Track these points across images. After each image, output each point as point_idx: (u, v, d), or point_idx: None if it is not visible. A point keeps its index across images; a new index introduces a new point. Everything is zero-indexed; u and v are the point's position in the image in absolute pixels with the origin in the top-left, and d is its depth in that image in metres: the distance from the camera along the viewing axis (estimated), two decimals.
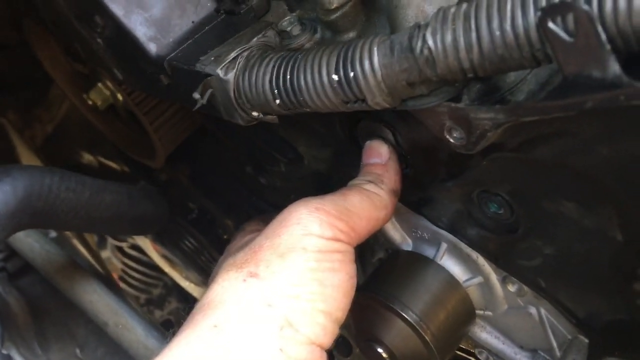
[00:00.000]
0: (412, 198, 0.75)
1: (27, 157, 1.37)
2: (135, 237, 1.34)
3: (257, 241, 0.63)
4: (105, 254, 1.54)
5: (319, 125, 0.78)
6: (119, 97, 1.03)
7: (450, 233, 0.74)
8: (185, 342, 0.56)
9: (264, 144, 0.89)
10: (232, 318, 0.57)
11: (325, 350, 0.61)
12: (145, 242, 1.31)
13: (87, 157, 1.36)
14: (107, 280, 1.08)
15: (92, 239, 1.45)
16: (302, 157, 0.87)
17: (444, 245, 0.77)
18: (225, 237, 1.22)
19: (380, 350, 0.76)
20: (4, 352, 0.79)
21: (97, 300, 0.94)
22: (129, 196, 0.84)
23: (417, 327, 0.73)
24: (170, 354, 0.55)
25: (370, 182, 0.67)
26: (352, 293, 0.63)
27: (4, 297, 0.97)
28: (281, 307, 0.57)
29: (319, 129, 0.79)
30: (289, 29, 0.67)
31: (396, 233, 0.82)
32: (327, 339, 0.60)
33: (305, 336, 0.57)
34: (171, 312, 1.62)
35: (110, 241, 1.51)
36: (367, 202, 0.66)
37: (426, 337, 0.73)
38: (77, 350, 1.00)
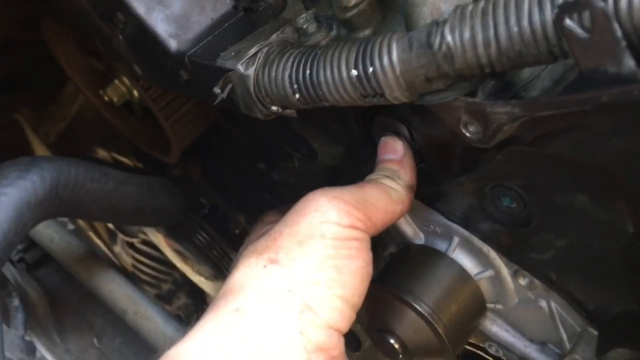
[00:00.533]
0: (425, 192, 0.76)
1: (41, 153, 1.39)
2: (147, 232, 1.35)
3: (276, 228, 0.65)
4: (116, 249, 1.56)
5: (334, 121, 0.80)
6: (135, 93, 1.05)
7: (463, 227, 0.76)
8: (208, 325, 0.58)
9: (278, 139, 0.91)
10: (253, 302, 0.59)
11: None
12: (157, 237, 1.33)
13: (101, 153, 1.38)
14: (124, 271, 1.10)
15: (104, 234, 1.47)
16: (316, 152, 0.88)
17: (456, 239, 0.78)
18: (237, 232, 1.23)
19: (392, 341, 0.78)
20: (28, 338, 0.81)
21: (116, 289, 0.95)
22: (149, 188, 0.86)
23: (430, 319, 0.74)
24: (194, 335, 0.57)
25: (387, 177, 0.69)
26: (368, 280, 0.64)
27: (23, 287, 0.98)
28: (301, 292, 0.59)
29: (333, 124, 0.81)
30: (305, 26, 0.68)
31: (408, 227, 0.84)
32: (345, 324, 0.61)
33: (324, 320, 0.59)
34: (180, 307, 1.63)
35: (121, 236, 1.53)
36: (384, 195, 0.68)
37: (438, 329, 0.74)
38: (95, 340, 1.02)
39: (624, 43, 0.42)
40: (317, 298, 0.59)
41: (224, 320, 0.58)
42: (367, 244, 0.65)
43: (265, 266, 0.61)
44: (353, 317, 0.63)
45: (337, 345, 0.60)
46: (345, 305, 0.61)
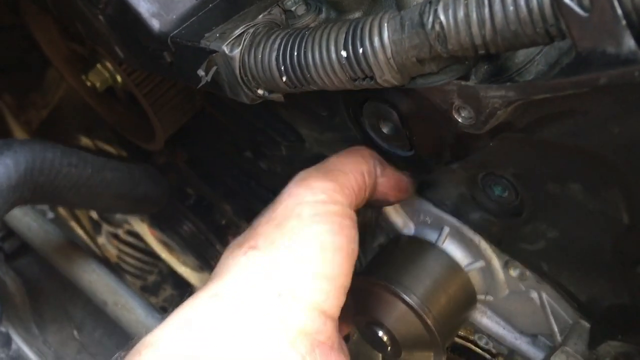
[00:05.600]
0: (415, 181, 0.74)
1: None
2: (132, 222, 1.33)
3: (255, 221, 0.64)
4: (100, 240, 1.53)
5: (322, 107, 0.78)
6: (118, 78, 1.02)
7: (453, 217, 0.74)
8: (185, 311, 0.56)
9: (266, 126, 0.89)
10: (231, 288, 0.57)
11: (334, 319, 0.60)
12: (142, 227, 1.30)
13: (84, 141, 1.35)
14: (105, 261, 1.08)
15: (87, 224, 1.44)
16: (304, 139, 0.86)
17: (446, 229, 0.77)
18: (223, 222, 1.21)
19: (380, 333, 0.76)
20: (3, 330, 0.78)
21: (96, 279, 0.93)
22: (130, 174, 0.84)
23: (419, 311, 0.73)
24: (170, 321, 0.55)
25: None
26: (353, 258, 0.62)
27: (1, 277, 0.96)
28: (280, 275, 0.57)
29: (321, 111, 0.78)
30: (293, 8, 0.66)
31: (398, 217, 0.82)
32: (331, 305, 0.59)
33: (305, 302, 0.57)
34: (166, 299, 1.61)
35: (105, 227, 1.50)
36: (349, 157, 0.68)
37: (428, 321, 0.73)
38: (75, 332, 1.00)
39: (623, 22, 0.40)
40: (298, 279, 0.57)
41: (201, 305, 0.56)
42: (350, 221, 0.63)
43: (245, 253, 0.59)
44: (341, 298, 0.60)
45: (324, 329, 0.58)
46: (330, 284, 0.58)
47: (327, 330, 0.58)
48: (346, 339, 1.06)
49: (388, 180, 0.70)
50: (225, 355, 0.53)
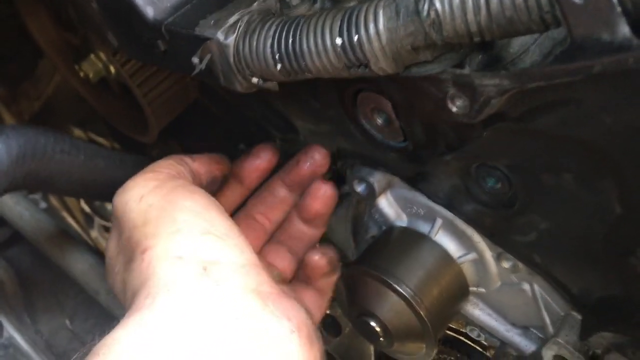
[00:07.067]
0: (408, 173, 0.74)
1: None
2: None
3: (121, 237, 0.66)
4: (93, 233, 1.52)
5: (316, 99, 0.78)
6: (112, 69, 1.01)
7: (446, 208, 0.74)
8: (135, 312, 0.55)
9: (259, 117, 0.88)
10: (159, 287, 0.56)
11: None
12: None
13: (77, 134, 1.34)
14: (97, 251, 1.07)
15: (80, 217, 1.43)
16: (298, 131, 0.86)
17: (439, 221, 0.77)
18: None
19: (373, 324, 0.76)
20: None
21: (88, 268, 0.93)
22: (123, 162, 0.83)
23: (412, 302, 0.73)
24: (125, 323, 0.54)
25: None
26: (219, 205, 0.64)
27: None
28: (189, 253, 0.58)
29: (315, 102, 0.78)
30: None
31: (390, 209, 0.82)
32: (249, 254, 0.60)
33: (228, 263, 0.58)
34: None
35: (98, 221, 1.49)
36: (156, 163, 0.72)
37: (420, 312, 0.73)
38: (67, 321, 0.99)
39: (618, 9, 0.40)
40: (206, 249, 0.58)
41: (143, 308, 0.55)
42: (185, 178, 0.69)
43: (143, 259, 0.59)
44: (246, 244, 0.61)
45: (263, 279, 0.58)
46: (231, 238, 0.60)
47: (266, 279, 0.59)
48: (338, 331, 1.06)
49: (201, 162, 0.77)
50: (182, 344, 0.53)
